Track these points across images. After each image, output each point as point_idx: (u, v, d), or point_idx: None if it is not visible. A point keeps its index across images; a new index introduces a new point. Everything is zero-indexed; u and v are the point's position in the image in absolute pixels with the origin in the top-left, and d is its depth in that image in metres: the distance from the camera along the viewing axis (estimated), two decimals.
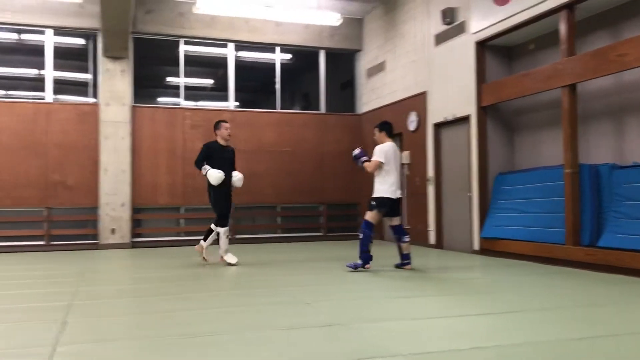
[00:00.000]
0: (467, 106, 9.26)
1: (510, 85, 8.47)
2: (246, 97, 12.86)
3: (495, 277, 6.72)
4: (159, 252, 8.16)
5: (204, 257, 8.01)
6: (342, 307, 4.74)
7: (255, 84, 13.22)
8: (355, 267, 7.01)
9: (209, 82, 12.99)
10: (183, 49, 11.90)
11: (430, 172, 10.29)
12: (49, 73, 11.12)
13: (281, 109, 12.57)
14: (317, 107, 12.91)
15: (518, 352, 3.37)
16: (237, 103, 12.35)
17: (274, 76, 12.59)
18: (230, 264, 7.72)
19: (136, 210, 11.32)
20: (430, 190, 10.30)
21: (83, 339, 3.77)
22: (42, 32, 11.09)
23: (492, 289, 5.82)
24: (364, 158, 7.25)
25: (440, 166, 10.16)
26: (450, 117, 9.72)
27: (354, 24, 12.88)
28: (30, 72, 11.45)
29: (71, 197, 11.01)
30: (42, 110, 10.92)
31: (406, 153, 10.98)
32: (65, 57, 11.50)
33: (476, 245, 9.04)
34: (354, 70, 13.26)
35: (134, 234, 11.30)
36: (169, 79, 12.37)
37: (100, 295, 5.66)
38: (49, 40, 11.12)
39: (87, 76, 11.51)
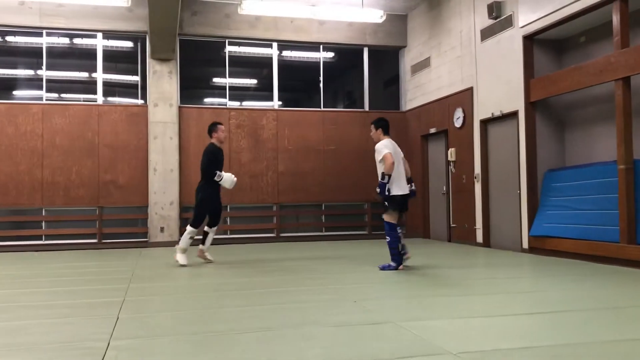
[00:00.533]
0: (515, 102, 9.07)
1: (561, 80, 8.25)
2: (290, 96, 12.94)
3: (544, 275, 6.56)
4: (212, 249, 8.36)
5: (208, 259, 8.02)
6: (389, 305, 4.72)
7: (299, 83, 13.28)
8: (388, 269, 6.98)
9: (253, 82, 13.13)
10: (228, 49, 12.07)
11: (477, 169, 10.13)
12: (100, 76, 11.45)
13: (325, 107, 12.59)
14: (361, 105, 12.88)
15: (569, 353, 3.28)
16: (281, 102, 12.44)
17: (317, 75, 12.62)
18: (178, 263, 7.71)
19: (184, 209, 11.54)
20: (477, 187, 10.13)
21: (135, 334, 3.86)
22: (93, 36, 11.43)
23: (542, 288, 5.69)
24: (383, 180, 6.79)
25: (488, 163, 9.98)
26: (497, 113, 9.54)
27: (398, 21, 12.78)
28: (82, 75, 11.81)
29: (122, 196, 11.31)
30: (93, 112, 11.26)
31: (452, 150, 10.84)
32: (115, 60, 11.83)
33: (525, 244, 8.85)
34: (398, 67, 13.16)
35: (182, 232, 11.48)
36: (214, 79, 12.56)
37: (151, 292, 5.80)
38: (100, 44, 11.45)
39: (136, 78, 11.81)
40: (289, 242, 11.61)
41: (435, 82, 11.56)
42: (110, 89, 11.66)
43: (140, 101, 11.72)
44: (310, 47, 12.57)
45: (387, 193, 6.84)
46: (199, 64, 12.48)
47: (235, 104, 12.21)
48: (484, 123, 10.00)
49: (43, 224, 11.02)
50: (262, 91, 12.74)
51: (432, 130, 11.63)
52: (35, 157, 10.93)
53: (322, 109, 12.54)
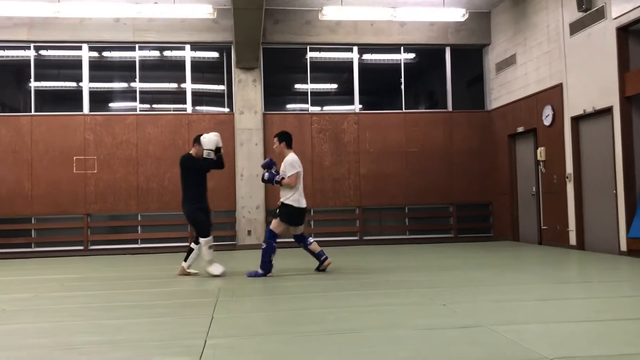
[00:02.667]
0: (609, 97, 8.63)
1: None
2: (371, 99, 12.94)
3: None
4: (293, 252, 8.51)
5: (188, 273, 7.36)
6: (480, 309, 4.63)
7: (379, 85, 13.25)
8: (255, 276, 7.02)
9: (334, 86, 13.24)
10: (309, 55, 12.25)
11: (569, 168, 9.71)
12: (189, 86, 11.96)
13: (406, 109, 12.49)
14: (443, 106, 12.67)
15: None
16: (362, 105, 12.46)
17: (398, 77, 12.55)
18: (214, 275, 7.11)
19: (270, 212, 11.80)
20: (570, 188, 9.71)
21: (230, 333, 4.01)
22: (181, 48, 11.95)
23: None
24: (278, 178, 7.08)
25: (580, 162, 9.55)
26: (589, 110, 9.11)
27: (481, 18, 12.48)
28: (172, 86, 12.37)
29: (211, 201, 11.62)
30: (183, 120, 11.77)
31: (541, 149, 10.45)
32: (202, 70, 12.32)
33: (623, 246, 8.39)
34: (481, 66, 12.85)
35: None
36: (296, 85, 12.79)
37: (241, 293, 5.97)
38: (188, 56, 11.96)
39: (222, 87, 12.23)
40: (373, 246, 11.60)
41: (522, 79, 11.20)
42: (199, 98, 12.15)
43: (226, 109, 12.12)
44: (391, 49, 12.52)
45: (274, 183, 7.13)
46: (282, 71, 12.75)
47: (316, 108, 12.37)
48: (575, 120, 9.58)
49: (139, 228, 11.62)
50: (343, 95, 12.83)
51: (520, 129, 11.27)
52: (131, 165, 11.55)
53: (404, 110, 12.44)
